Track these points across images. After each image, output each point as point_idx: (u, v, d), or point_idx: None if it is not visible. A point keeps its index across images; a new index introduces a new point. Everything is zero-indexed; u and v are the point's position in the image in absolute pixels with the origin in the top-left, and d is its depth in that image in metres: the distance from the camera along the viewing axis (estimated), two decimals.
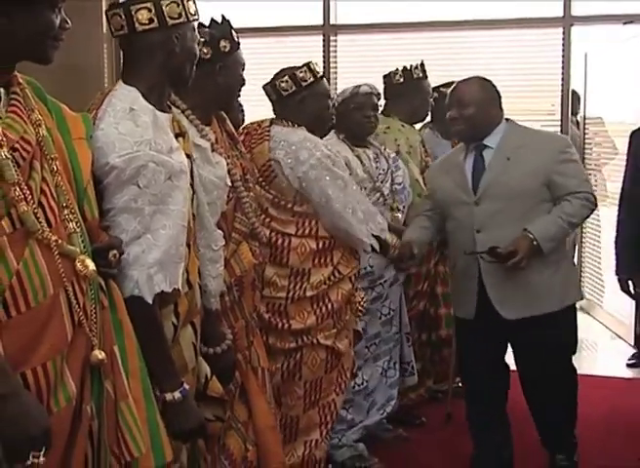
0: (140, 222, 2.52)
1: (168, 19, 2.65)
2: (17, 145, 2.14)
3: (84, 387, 2.26)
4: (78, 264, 2.23)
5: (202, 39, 3.06)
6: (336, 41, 7.25)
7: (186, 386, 2.66)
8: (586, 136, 7.56)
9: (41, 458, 2.09)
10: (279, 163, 3.69)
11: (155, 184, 2.53)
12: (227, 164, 3.14)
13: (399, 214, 4.56)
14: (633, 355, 6.32)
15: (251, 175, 3.46)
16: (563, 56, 6.85)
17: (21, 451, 2.08)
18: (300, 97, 3.86)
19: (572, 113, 7.18)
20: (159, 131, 2.62)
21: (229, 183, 3.14)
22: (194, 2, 2.73)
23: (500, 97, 3.99)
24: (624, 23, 6.63)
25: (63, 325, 2.20)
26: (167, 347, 2.65)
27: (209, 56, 3.15)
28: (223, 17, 3.25)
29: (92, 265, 2.25)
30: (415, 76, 5.10)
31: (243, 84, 3.35)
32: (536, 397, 4.13)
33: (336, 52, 7.24)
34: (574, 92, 7.20)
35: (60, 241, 2.18)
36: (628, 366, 6.23)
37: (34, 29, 2.18)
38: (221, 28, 3.23)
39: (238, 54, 3.28)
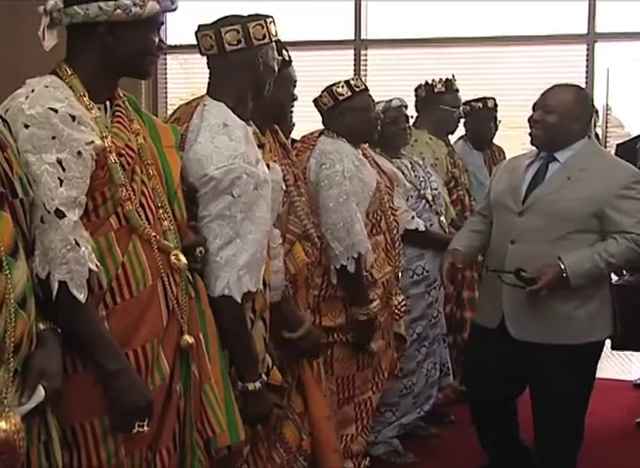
0: (232, 228, 2.79)
1: (254, 40, 2.93)
2: (122, 151, 2.44)
3: (174, 369, 2.53)
4: (173, 258, 2.52)
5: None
6: (366, 55, 7.44)
7: (264, 377, 2.95)
8: (607, 148, 7.66)
9: (145, 428, 2.38)
10: (310, 169, 3.90)
11: (246, 194, 2.81)
12: (282, 170, 3.38)
13: (443, 218, 4.78)
14: None
15: (302, 181, 3.70)
16: (587, 71, 7.02)
17: (129, 421, 2.37)
18: (339, 110, 4.07)
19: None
20: (249, 144, 2.91)
21: (284, 187, 3.36)
22: (274, 24, 3.00)
23: (591, 115, 3.88)
24: None
25: (160, 311, 2.49)
26: (251, 342, 2.92)
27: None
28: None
29: (184, 259, 2.55)
30: (436, 90, 5.28)
31: (294, 99, 3.62)
32: (540, 426, 3.92)
33: (366, 65, 7.44)
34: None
35: (158, 237, 2.48)
36: (635, 386, 5.78)
37: (137, 48, 2.47)
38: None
39: (288, 71, 3.53)
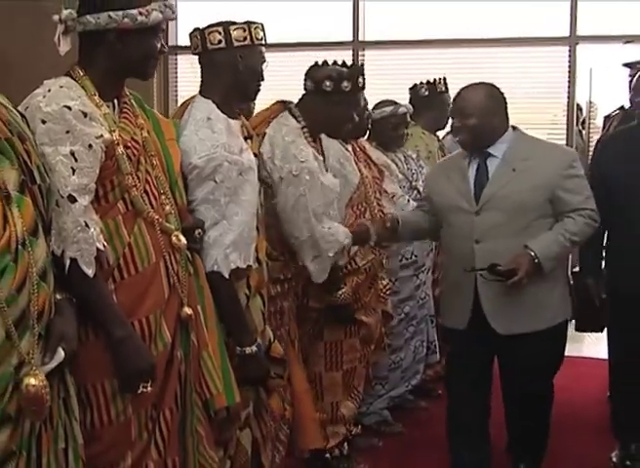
0: (217, 211, 2.98)
1: (234, 41, 3.13)
2: (128, 144, 2.63)
3: (175, 337, 2.72)
4: (174, 239, 2.72)
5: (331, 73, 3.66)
6: (364, 56, 7.55)
7: (259, 341, 3.14)
8: (590, 145, 7.74)
9: (148, 388, 2.58)
10: None
11: (229, 179, 3.00)
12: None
13: None
14: None
15: None
16: (569, 72, 7.12)
17: (135, 383, 2.57)
18: None
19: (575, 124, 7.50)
20: (231, 135, 3.10)
21: (338, 191, 3.71)
22: (262, 29, 3.19)
23: (505, 104, 3.74)
24: (625, 43, 6.91)
25: (162, 286, 2.69)
26: (242, 312, 3.11)
27: (330, 89, 3.65)
28: (354, 62, 3.75)
29: (184, 240, 2.75)
30: (438, 90, 5.47)
31: (353, 122, 3.84)
32: (513, 408, 3.94)
33: (363, 66, 7.41)
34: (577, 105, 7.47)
35: (160, 220, 2.68)
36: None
37: (142, 52, 2.66)
38: (351, 70, 3.76)
39: (357, 96, 3.81)
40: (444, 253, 4.16)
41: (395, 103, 4.90)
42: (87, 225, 2.46)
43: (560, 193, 3.60)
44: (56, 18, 2.58)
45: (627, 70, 5.70)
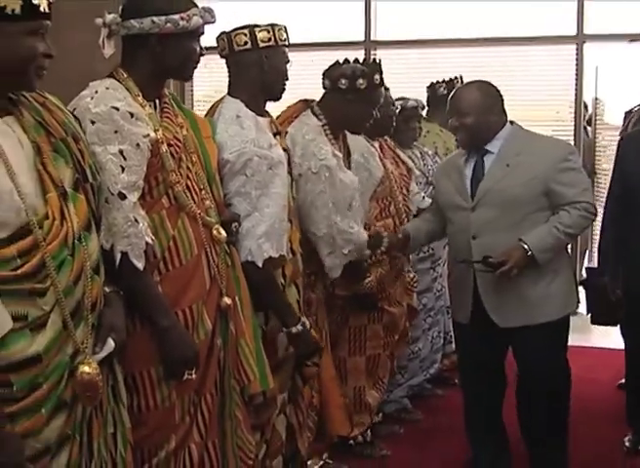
0: (248, 204, 3.08)
1: (259, 42, 3.23)
2: (171, 142, 2.72)
3: (215, 325, 2.82)
4: (214, 232, 2.81)
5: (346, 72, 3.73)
6: (375, 55, 7.46)
7: (304, 320, 3.26)
8: (597, 141, 7.80)
9: (193, 375, 2.68)
10: None
11: (259, 173, 3.10)
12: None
13: None
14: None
15: None
16: (576, 70, 7.18)
17: (180, 370, 2.67)
18: None
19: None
20: (260, 131, 3.19)
21: (357, 187, 3.75)
22: (286, 31, 3.28)
23: (501, 100, 3.70)
24: (630, 41, 7.00)
25: (204, 277, 2.78)
26: (282, 295, 3.22)
27: (345, 87, 3.72)
28: (374, 59, 3.88)
29: (224, 233, 2.84)
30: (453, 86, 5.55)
31: (372, 118, 3.90)
32: (528, 405, 3.83)
33: (380, 63, 7.45)
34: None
35: (202, 214, 2.77)
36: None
37: (183, 55, 2.74)
38: (368, 67, 3.83)
39: (374, 93, 3.84)
40: (449, 249, 4.19)
41: (404, 98, 4.98)
42: (136, 220, 2.55)
43: (555, 186, 3.56)
44: (99, 21, 2.67)
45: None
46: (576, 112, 7.21)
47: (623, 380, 4.94)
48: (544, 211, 3.59)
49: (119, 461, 2.47)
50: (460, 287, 3.81)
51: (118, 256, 2.53)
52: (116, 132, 2.54)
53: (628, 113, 5.82)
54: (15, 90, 2.27)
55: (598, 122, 7.80)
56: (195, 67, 2.85)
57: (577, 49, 7.17)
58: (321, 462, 4.18)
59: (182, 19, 2.66)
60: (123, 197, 2.53)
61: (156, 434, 2.73)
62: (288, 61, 3.37)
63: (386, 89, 4.37)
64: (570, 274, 3.80)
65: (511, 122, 3.72)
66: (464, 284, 3.73)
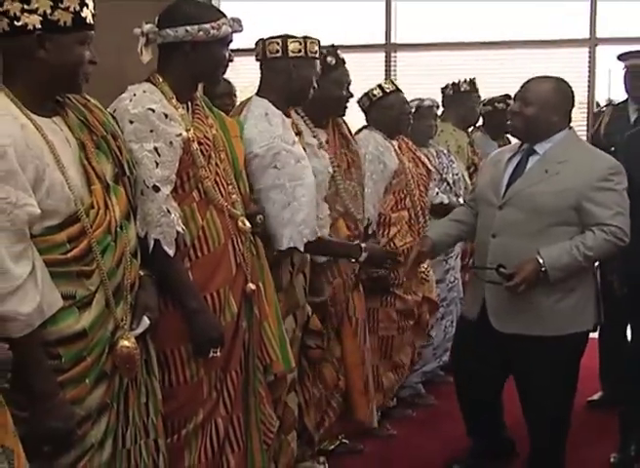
0: (285, 194, 3.30)
1: (289, 52, 3.44)
2: (202, 141, 2.92)
3: (241, 309, 3.02)
4: (240, 223, 3.01)
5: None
6: (396, 58, 7.64)
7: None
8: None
9: (218, 353, 2.89)
10: None
11: (288, 165, 3.31)
12: (331, 158, 3.85)
13: (461, 199, 5.06)
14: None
15: (356, 168, 4.09)
16: (589, 73, 7.19)
17: (206, 348, 2.87)
18: (373, 108, 4.57)
19: None
20: (285, 129, 3.40)
21: (330, 171, 3.81)
22: (318, 44, 3.48)
23: (572, 104, 3.55)
24: None
25: (230, 264, 2.98)
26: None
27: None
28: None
29: (248, 224, 3.04)
30: (462, 89, 5.70)
31: (348, 96, 3.99)
32: (528, 421, 3.78)
33: (396, 67, 7.63)
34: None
35: (228, 206, 2.97)
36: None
37: (214, 61, 2.94)
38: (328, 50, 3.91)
39: (335, 74, 3.91)
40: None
41: (421, 99, 5.16)
42: (169, 211, 2.76)
43: (587, 204, 3.37)
44: (137, 31, 2.87)
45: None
46: (588, 114, 7.23)
47: (595, 397, 4.98)
48: (570, 226, 3.42)
49: (151, 428, 2.68)
50: (474, 284, 3.77)
51: (152, 243, 2.74)
52: (152, 131, 2.75)
53: (597, 114, 5.82)
54: (64, 93, 2.49)
55: None
56: (224, 72, 3.05)
57: (589, 52, 7.21)
58: (337, 442, 4.36)
59: (213, 27, 2.85)
60: (157, 190, 2.74)
61: (185, 407, 2.93)
62: (317, 73, 3.56)
63: (400, 90, 4.57)
64: (588, 293, 3.58)
65: (570, 128, 3.56)
66: (478, 281, 3.66)
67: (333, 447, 4.32)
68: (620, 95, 7.52)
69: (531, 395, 3.68)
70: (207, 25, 2.85)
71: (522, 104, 3.48)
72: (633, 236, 3.68)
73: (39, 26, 2.28)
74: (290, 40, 3.45)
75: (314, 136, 3.79)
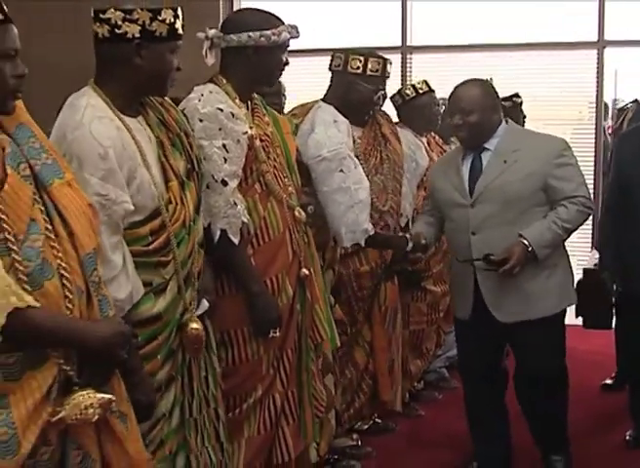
0: (349, 196, 3.56)
1: (349, 67, 3.74)
2: (262, 138, 3.13)
3: (295, 292, 3.22)
4: (296, 213, 3.22)
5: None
6: (411, 59, 7.76)
7: None
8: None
9: (277, 333, 3.11)
10: None
11: (351, 170, 3.57)
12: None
13: None
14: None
15: (391, 164, 4.22)
16: (597, 74, 7.26)
17: (266, 329, 3.09)
18: (407, 107, 4.78)
19: None
20: (349, 136, 3.67)
21: None
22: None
23: (499, 99, 3.64)
24: None
25: (287, 251, 3.19)
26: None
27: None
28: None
29: (304, 214, 3.26)
30: None
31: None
32: (529, 396, 3.80)
33: (411, 69, 7.75)
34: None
35: (287, 198, 3.18)
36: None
37: (273, 65, 3.14)
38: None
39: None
40: (449, 246, 4.12)
41: (444, 99, 5.35)
42: (235, 203, 2.97)
43: (552, 181, 3.50)
44: (202, 35, 3.06)
45: None
46: (597, 113, 7.32)
47: (609, 381, 5.07)
48: (542, 206, 3.53)
49: (211, 399, 2.89)
50: (461, 284, 3.73)
51: (217, 233, 2.96)
52: (220, 129, 2.95)
53: (621, 110, 5.91)
54: (151, 95, 2.70)
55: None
56: (281, 75, 3.26)
57: (598, 53, 7.26)
58: (370, 421, 4.57)
59: (274, 34, 3.05)
60: (225, 184, 2.95)
61: (246, 383, 3.14)
62: (377, 90, 3.85)
63: (432, 91, 4.80)
64: (567, 268, 3.72)
65: (506, 120, 3.65)
66: (465, 281, 3.65)
67: (367, 426, 4.52)
68: (625, 94, 7.74)
69: (530, 364, 3.70)
70: (268, 32, 3.05)
71: (462, 115, 3.51)
72: (624, 232, 4.01)
73: (138, 35, 2.49)
74: (352, 56, 3.72)
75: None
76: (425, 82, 4.90)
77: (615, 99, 7.82)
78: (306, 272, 3.26)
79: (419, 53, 7.84)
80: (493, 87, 3.64)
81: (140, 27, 2.48)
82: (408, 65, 7.80)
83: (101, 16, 2.48)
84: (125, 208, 2.45)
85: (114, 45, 2.50)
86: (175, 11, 2.54)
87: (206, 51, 3.07)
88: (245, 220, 3.02)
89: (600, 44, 7.26)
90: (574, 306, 4.09)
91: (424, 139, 4.85)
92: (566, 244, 3.72)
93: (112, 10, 2.47)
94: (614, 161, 4.24)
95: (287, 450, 3.28)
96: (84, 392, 2.05)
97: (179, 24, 2.55)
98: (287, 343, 3.22)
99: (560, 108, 7.67)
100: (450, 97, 3.63)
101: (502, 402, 3.90)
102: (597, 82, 7.31)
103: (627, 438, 4.31)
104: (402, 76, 7.65)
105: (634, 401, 4.35)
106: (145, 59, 2.52)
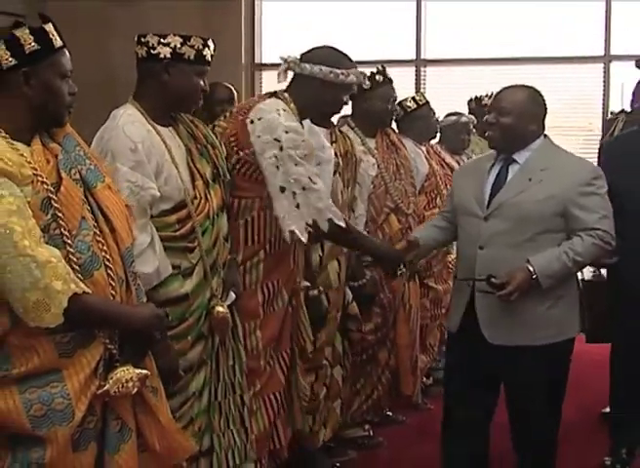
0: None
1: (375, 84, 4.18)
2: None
3: (290, 299, 3.55)
4: None
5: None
6: (425, 72, 7.96)
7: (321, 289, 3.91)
8: None
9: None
10: None
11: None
12: (379, 163, 4.38)
13: None
14: None
15: (405, 170, 4.55)
16: (604, 88, 7.56)
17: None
18: (407, 118, 5.01)
19: None
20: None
21: (372, 174, 4.36)
22: (390, 82, 4.27)
23: (545, 112, 3.43)
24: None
25: (289, 262, 3.52)
26: None
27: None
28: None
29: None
30: (483, 102, 6.11)
31: (393, 110, 4.56)
32: (516, 427, 3.61)
33: (425, 81, 7.95)
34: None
35: None
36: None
37: (334, 103, 3.53)
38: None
39: (381, 90, 4.44)
40: (456, 255, 3.88)
41: (459, 114, 5.65)
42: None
43: (573, 210, 3.29)
44: (281, 59, 3.43)
45: None
46: (603, 124, 7.25)
47: (607, 409, 4.67)
48: (558, 233, 3.34)
49: (237, 386, 3.21)
50: (458, 294, 3.58)
51: (326, 225, 3.35)
52: (303, 141, 3.28)
53: (611, 121, 5.98)
54: (179, 111, 3.07)
55: None
56: (336, 114, 3.73)
57: (604, 68, 7.56)
58: (382, 414, 4.84)
59: (342, 74, 3.38)
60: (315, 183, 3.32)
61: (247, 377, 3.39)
62: (389, 99, 4.34)
63: (428, 103, 5.07)
64: (575, 299, 3.51)
65: (545, 135, 3.47)
66: (462, 293, 3.50)
67: (378, 419, 4.78)
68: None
69: (521, 404, 3.56)
70: (338, 70, 3.37)
71: (498, 115, 3.37)
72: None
73: (168, 56, 2.88)
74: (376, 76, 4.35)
75: (363, 145, 4.31)
76: (422, 94, 5.20)
77: (611, 112, 8.00)
78: (307, 284, 3.63)
79: (433, 66, 8.04)
80: (542, 97, 3.43)
81: (171, 50, 2.88)
82: (422, 78, 7.99)
83: (142, 39, 2.90)
84: (151, 194, 2.82)
85: (149, 64, 2.93)
86: (205, 40, 2.91)
87: (281, 72, 3.42)
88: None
89: (606, 58, 7.54)
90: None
91: (424, 148, 5.12)
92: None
93: (151, 34, 2.88)
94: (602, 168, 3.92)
95: (279, 439, 3.62)
96: (124, 368, 2.39)
97: (207, 52, 2.93)
98: (282, 345, 3.54)
99: (571, 119, 7.90)
100: (495, 95, 3.51)
101: (486, 432, 3.69)
102: (604, 95, 7.55)
103: (606, 463, 4.24)
104: (416, 89, 7.83)
105: (615, 422, 4.36)
106: (173, 77, 2.92)
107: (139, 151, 2.80)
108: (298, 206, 3.24)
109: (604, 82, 7.60)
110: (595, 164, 3.94)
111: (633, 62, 5.70)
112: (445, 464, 3.74)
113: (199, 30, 3.20)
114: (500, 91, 3.44)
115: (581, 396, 4.99)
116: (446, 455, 3.72)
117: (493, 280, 3.26)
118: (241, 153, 3.27)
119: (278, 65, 3.49)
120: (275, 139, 3.20)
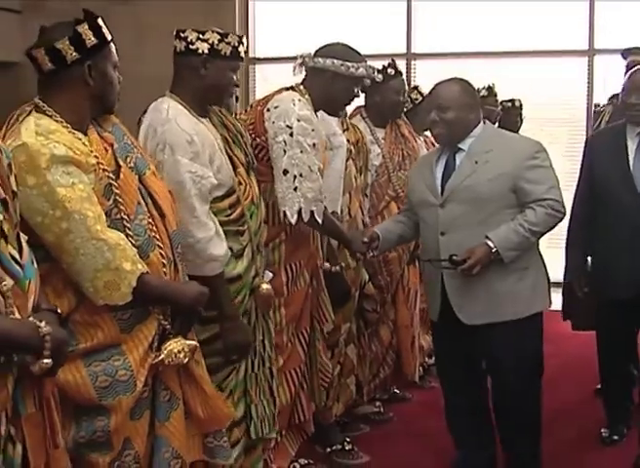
0: None
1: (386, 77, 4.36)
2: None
3: (311, 280, 3.74)
4: None
5: None
6: (415, 66, 8.14)
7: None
8: None
9: None
10: None
11: None
12: (384, 153, 4.57)
13: None
14: None
15: (411, 160, 4.70)
16: (588, 81, 7.74)
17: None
18: (412, 111, 5.15)
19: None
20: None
21: (375, 163, 4.57)
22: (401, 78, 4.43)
23: (478, 99, 3.60)
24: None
25: (310, 244, 3.71)
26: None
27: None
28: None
29: None
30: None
31: (404, 102, 4.76)
32: (498, 405, 3.70)
33: (415, 75, 8.11)
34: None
35: None
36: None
37: (345, 95, 3.72)
38: None
39: (392, 83, 4.64)
40: (420, 247, 4.02)
41: None
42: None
43: (522, 184, 3.39)
44: (297, 54, 3.61)
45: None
46: (587, 117, 7.65)
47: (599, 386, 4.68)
48: (512, 208, 3.43)
49: (267, 359, 3.37)
50: (430, 284, 3.67)
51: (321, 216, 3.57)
52: (313, 130, 3.46)
53: (598, 113, 6.07)
54: (212, 104, 3.21)
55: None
56: (346, 107, 3.89)
57: (588, 61, 7.73)
58: (390, 391, 5.05)
59: (353, 67, 3.57)
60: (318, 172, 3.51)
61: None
62: (399, 91, 4.52)
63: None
64: (541, 272, 3.61)
65: (484, 121, 3.57)
66: (433, 282, 3.59)
67: (387, 396, 4.99)
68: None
69: (500, 381, 3.63)
70: (349, 63, 3.56)
71: (439, 111, 3.46)
72: (594, 233, 4.08)
73: (207, 51, 3.03)
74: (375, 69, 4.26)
75: (372, 135, 4.50)
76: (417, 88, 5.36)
77: (596, 104, 8.18)
78: (328, 265, 3.79)
79: (422, 59, 8.24)
80: (472, 86, 3.58)
81: (208, 46, 3.02)
82: (412, 71, 8.15)
83: (181, 34, 3.04)
84: (211, 182, 2.99)
85: (187, 58, 3.06)
86: (240, 37, 3.07)
87: (296, 66, 3.61)
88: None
89: (590, 52, 7.73)
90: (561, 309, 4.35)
91: (421, 138, 5.25)
92: (540, 247, 3.68)
93: (190, 30, 3.03)
94: (586, 161, 4.20)
95: (303, 412, 3.82)
96: (176, 340, 2.58)
97: (242, 49, 3.08)
98: (302, 322, 3.72)
99: (557, 111, 8.10)
100: (429, 93, 3.67)
101: (483, 402, 3.80)
102: (588, 88, 7.75)
103: (603, 434, 4.34)
104: (407, 82, 7.71)
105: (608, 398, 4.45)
106: (209, 71, 3.06)
107: (195, 143, 2.94)
108: (295, 189, 3.43)
109: (588, 76, 7.77)
110: (580, 156, 4.21)
111: (617, 56, 5.89)
112: (452, 430, 3.90)
113: (198, 24, 3.21)
114: (434, 88, 3.57)
115: (580, 372, 5.27)
116: (452, 424, 3.89)
117: (454, 258, 3.37)
118: (258, 139, 3.48)
119: (271, 59, 3.68)
120: (287, 126, 3.40)
